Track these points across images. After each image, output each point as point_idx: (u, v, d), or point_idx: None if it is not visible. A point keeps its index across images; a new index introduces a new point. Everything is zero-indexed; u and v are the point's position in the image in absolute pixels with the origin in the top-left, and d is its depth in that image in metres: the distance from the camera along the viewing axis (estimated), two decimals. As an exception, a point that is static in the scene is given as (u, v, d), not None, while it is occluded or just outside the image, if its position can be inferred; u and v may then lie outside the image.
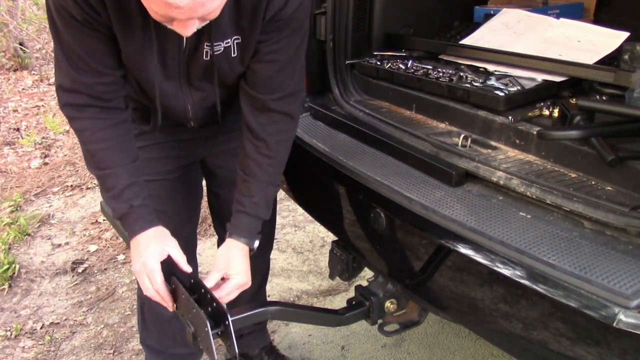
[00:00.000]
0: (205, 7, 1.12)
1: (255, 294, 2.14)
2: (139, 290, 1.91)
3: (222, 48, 1.38)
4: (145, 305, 1.95)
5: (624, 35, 1.67)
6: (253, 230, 1.55)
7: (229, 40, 1.37)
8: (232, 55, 1.40)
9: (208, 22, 1.22)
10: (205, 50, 1.37)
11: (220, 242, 2.06)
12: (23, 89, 5.77)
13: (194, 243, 1.99)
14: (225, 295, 1.50)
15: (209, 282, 1.47)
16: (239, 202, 1.54)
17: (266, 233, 2.03)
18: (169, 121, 1.60)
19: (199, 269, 2.17)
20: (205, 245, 3.09)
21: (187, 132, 1.67)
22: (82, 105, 1.38)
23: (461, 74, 1.76)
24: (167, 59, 1.39)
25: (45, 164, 4.24)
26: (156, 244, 1.45)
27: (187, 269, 1.46)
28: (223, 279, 1.51)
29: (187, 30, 1.17)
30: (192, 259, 1.95)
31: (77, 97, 1.38)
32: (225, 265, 1.51)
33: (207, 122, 1.63)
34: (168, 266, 1.58)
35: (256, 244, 1.57)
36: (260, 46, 1.40)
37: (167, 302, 1.47)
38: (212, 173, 1.87)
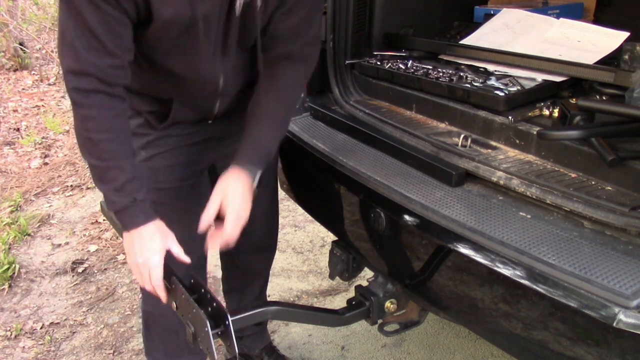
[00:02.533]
0: None
1: (257, 297, 2.15)
2: (143, 302, 1.90)
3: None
4: (150, 317, 1.92)
5: (624, 35, 1.67)
6: (256, 159, 1.54)
7: None
8: (257, 8, 1.41)
9: None
10: (237, 4, 1.37)
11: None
12: (23, 89, 5.77)
13: (205, 261, 1.96)
14: (228, 234, 1.48)
15: (207, 214, 1.47)
16: (245, 134, 1.55)
17: (269, 235, 2.04)
18: (188, 115, 1.58)
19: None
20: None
21: (202, 132, 1.65)
22: (90, 90, 1.35)
23: (461, 74, 1.76)
24: (210, 20, 1.37)
25: (45, 164, 4.24)
26: (160, 240, 1.44)
27: (187, 260, 1.46)
28: (219, 217, 1.50)
29: None
30: (202, 267, 1.93)
31: (86, 80, 1.34)
32: (220, 195, 1.49)
33: (229, 110, 1.62)
34: (167, 266, 1.58)
35: (257, 180, 1.55)
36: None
37: (163, 297, 1.47)
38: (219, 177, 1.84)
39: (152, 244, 1.43)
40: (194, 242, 1.73)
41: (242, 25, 1.43)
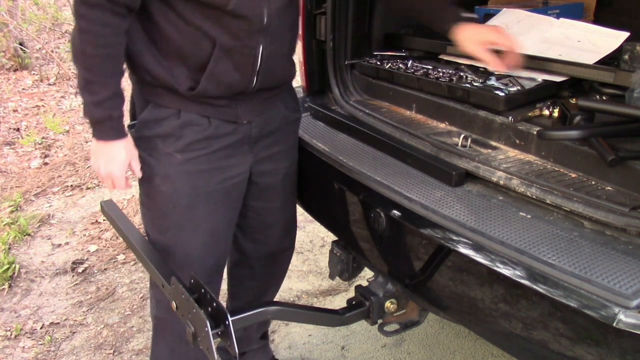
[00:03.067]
0: None
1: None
2: (155, 308, 1.86)
3: None
4: (160, 323, 1.88)
5: (624, 35, 1.67)
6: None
7: None
8: None
9: None
10: None
11: (234, 255, 2.00)
12: (23, 89, 5.76)
13: (224, 261, 1.91)
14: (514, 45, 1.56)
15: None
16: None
17: (289, 230, 2.00)
18: (228, 73, 1.51)
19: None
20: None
21: (237, 132, 1.61)
22: (95, 4, 1.38)
23: (461, 74, 1.76)
24: None
25: (45, 164, 4.23)
26: (126, 156, 1.54)
27: (139, 174, 1.59)
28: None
29: None
30: (218, 276, 1.86)
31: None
32: (486, 32, 1.59)
33: (270, 71, 1.57)
34: (167, 265, 1.58)
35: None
36: None
37: (123, 186, 1.59)
38: (252, 183, 1.78)
39: (117, 159, 1.53)
40: (216, 247, 1.73)
41: None
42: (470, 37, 1.57)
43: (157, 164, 1.59)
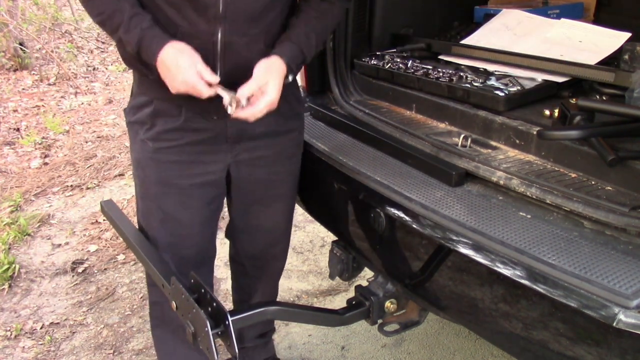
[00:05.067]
0: None
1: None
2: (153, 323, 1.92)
3: None
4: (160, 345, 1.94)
5: (625, 35, 1.68)
6: (293, 55, 1.53)
7: None
8: None
9: None
10: None
11: (231, 249, 2.04)
12: (23, 89, 5.77)
13: (212, 254, 1.93)
14: (255, 111, 1.46)
15: (245, 90, 1.44)
16: (283, 36, 1.55)
17: (282, 245, 2.01)
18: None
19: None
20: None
21: (212, 129, 1.61)
22: None
23: (461, 74, 1.76)
24: None
25: (45, 164, 4.23)
26: (185, 58, 1.42)
27: (214, 79, 1.44)
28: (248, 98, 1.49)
29: None
30: (209, 271, 1.91)
31: None
32: (264, 76, 1.47)
33: (236, 59, 1.54)
34: (167, 266, 1.58)
35: (291, 77, 1.56)
36: None
37: (209, 92, 1.46)
38: (232, 183, 1.78)
39: (178, 64, 1.42)
40: (190, 240, 1.74)
41: None
42: (267, 68, 1.49)
43: (135, 150, 1.67)
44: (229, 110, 1.44)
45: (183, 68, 1.42)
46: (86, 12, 1.52)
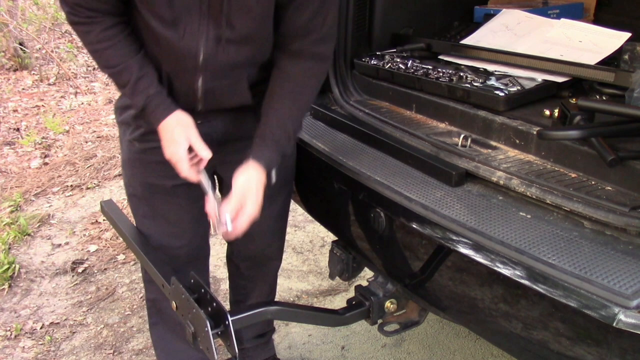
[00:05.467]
0: None
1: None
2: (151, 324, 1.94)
3: None
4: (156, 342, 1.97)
5: (625, 35, 1.67)
6: (272, 159, 1.52)
7: None
8: None
9: None
10: None
11: (228, 250, 2.05)
12: (23, 89, 5.76)
13: (206, 253, 1.95)
14: (238, 231, 1.47)
15: (227, 207, 1.45)
16: (260, 131, 1.53)
17: (275, 244, 2.00)
18: (173, 93, 1.54)
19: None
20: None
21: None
22: (86, 17, 1.44)
23: (461, 74, 1.76)
24: None
25: (45, 164, 4.23)
26: (180, 132, 1.48)
27: (207, 156, 1.49)
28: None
29: None
30: (203, 270, 1.92)
31: (80, 9, 1.42)
32: (243, 191, 1.47)
33: (217, 102, 1.56)
34: (168, 266, 1.58)
35: (274, 177, 1.55)
36: None
37: (193, 177, 1.51)
38: (226, 186, 1.79)
39: (173, 138, 1.48)
40: (181, 238, 1.75)
41: (235, 4, 1.38)
42: (244, 182, 1.48)
43: (123, 150, 1.70)
44: (213, 231, 1.49)
45: (175, 142, 1.48)
46: (96, 63, 1.56)
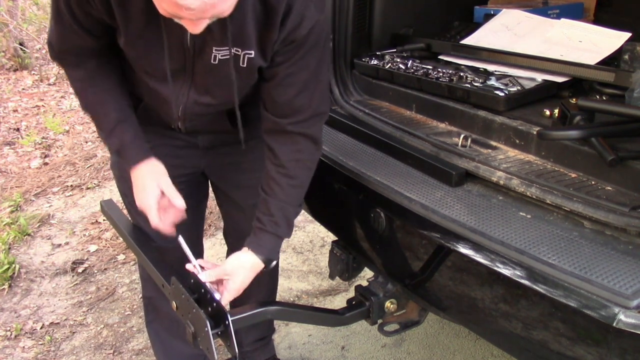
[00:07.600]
0: (216, 9, 1.12)
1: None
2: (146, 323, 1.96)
3: (231, 55, 1.34)
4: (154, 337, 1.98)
5: (625, 35, 1.67)
6: (272, 248, 1.52)
7: (239, 50, 1.34)
8: (241, 65, 1.36)
9: (219, 19, 1.21)
10: (213, 54, 1.35)
11: (229, 252, 2.04)
12: (23, 89, 5.77)
13: (199, 251, 1.95)
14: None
15: (205, 276, 1.44)
16: (259, 219, 1.50)
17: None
18: (153, 120, 1.57)
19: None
20: (205, 246, 3.08)
21: (183, 138, 1.62)
22: (72, 61, 1.47)
23: (461, 74, 1.76)
24: (172, 51, 1.36)
25: (45, 164, 4.23)
26: (151, 181, 1.47)
27: (181, 205, 1.48)
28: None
29: (197, 28, 1.17)
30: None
31: (66, 55, 1.45)
32: (231, 272, 1.47)
33: (198, 128, 1.59)
34: (167, 266, 1.58)
35: (274, 262, 1.54)
36: (277, 69, 1.38)
37: (164, 230, 1.50)
38: (215, 187, 1.83)
39: (144, 186, 1.48)
40: (173, 242, 1.75)
41: (227, 74, 1.37)
42: (236, 265, 1.48)
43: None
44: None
45: (146, 192, 1.47)
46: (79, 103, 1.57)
